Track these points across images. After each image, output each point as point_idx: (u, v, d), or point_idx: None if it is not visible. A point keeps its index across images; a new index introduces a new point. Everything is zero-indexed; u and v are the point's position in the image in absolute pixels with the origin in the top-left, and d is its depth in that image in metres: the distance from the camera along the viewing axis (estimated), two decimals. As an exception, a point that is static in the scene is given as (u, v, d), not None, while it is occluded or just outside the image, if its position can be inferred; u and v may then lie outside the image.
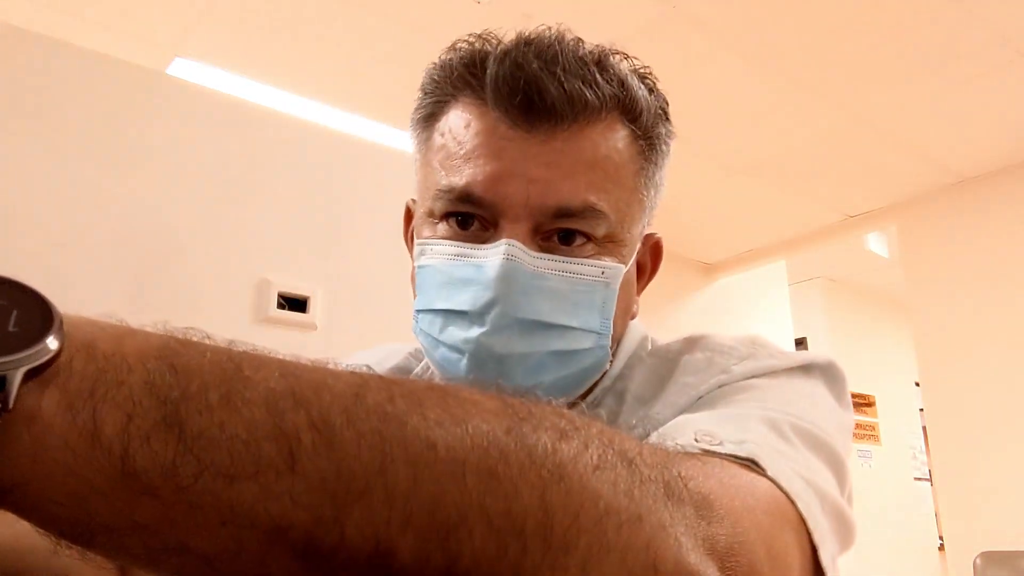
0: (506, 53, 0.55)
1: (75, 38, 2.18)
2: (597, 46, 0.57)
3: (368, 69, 2.46)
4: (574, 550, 0.29)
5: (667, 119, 0.61)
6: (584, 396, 0.59)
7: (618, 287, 0.56)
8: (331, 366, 0.30)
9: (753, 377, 0.53)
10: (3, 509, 0.25)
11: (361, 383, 0.29)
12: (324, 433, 0.26)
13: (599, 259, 0.55)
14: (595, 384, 0.60)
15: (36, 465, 0.24)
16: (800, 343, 4.71)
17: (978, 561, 2.74)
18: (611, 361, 0.59)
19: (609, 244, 0.56)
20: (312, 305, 1.80)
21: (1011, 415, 2.97)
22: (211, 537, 0.25)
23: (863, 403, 4.75)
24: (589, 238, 0.55)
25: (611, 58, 0.57)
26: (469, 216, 0.55)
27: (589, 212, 0.54)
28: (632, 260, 0.59)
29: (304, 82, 2.59)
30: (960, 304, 3.20)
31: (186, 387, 0.26)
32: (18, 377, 0.23)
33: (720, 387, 0.53)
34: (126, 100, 1.71)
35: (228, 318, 1.70)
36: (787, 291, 4.49)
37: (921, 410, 4.52)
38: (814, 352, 0.57)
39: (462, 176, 0.54)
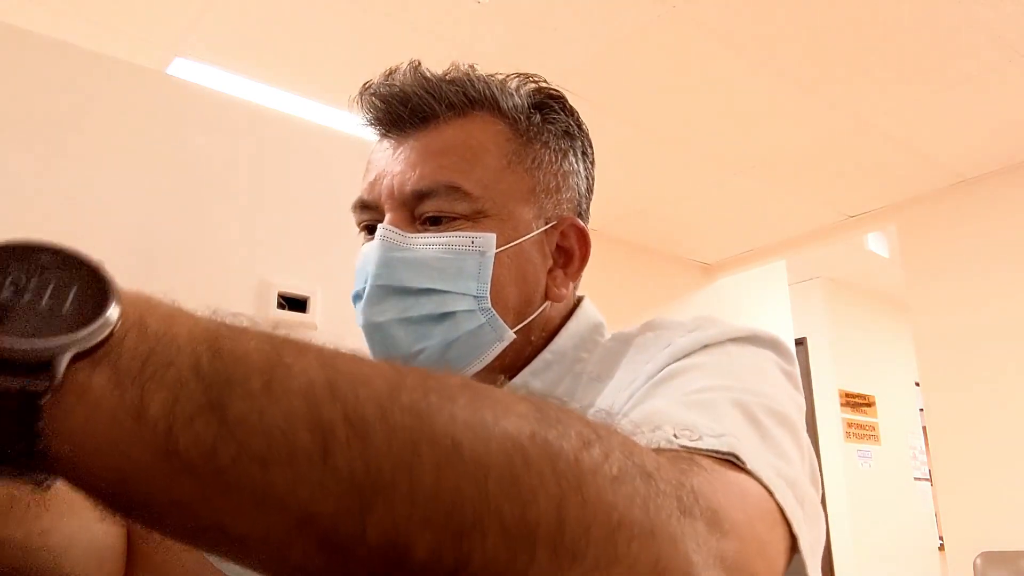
0: (366, 88, 0.65)
1: (75, 38, 2.18)
2: (453, 65, 0.66)
3: (369, 69, 2.45)
4: (581, 560, 0.29)
5: (554, 110, 0.68)
6: (524, 365, 0.64)
7: (494, 255, 0.61)
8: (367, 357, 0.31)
9: (701, 349, 0.55)
10: (55, 476, 0.26)
11: (398, 378, 0.30)
12: (358, 427, 0.27)
13: (470, 231, 0.61)
14: (531, 354, 0.65)
15: (87, 438, 0.25)
16: (800, 343, 4.71)
17: (978, 561, 2.74)
18: (520, 332, 0.63)
19: (484, 220, 0.61)
20: (312, 305, 1.80)
21: (1011, 415, 2.97)
22: (244, 519, 0.26)
23: (863, 403, 4.75)
24: (455, 215, 0.61)
25: (470, 73, 0.66)
26: (371, 222, 0.65)
27: (443, 190, 0.61)
28: (527, 238, 0.63)
29: (304, 82, 2.59)
30: (960, 304, 3.20)
31: (231, 373, 0.27)
32: (65, 360, 0.24)
33: (669, 364, 0.54)
34: (126, 100, 1.71)
35: (228, 318, 1.70)
36: (787, 291, 4.49)
37: (921, 410, 4.52)
38: (759, 328, 0.59)
39: (360, 191, 0.66)
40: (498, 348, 0.63)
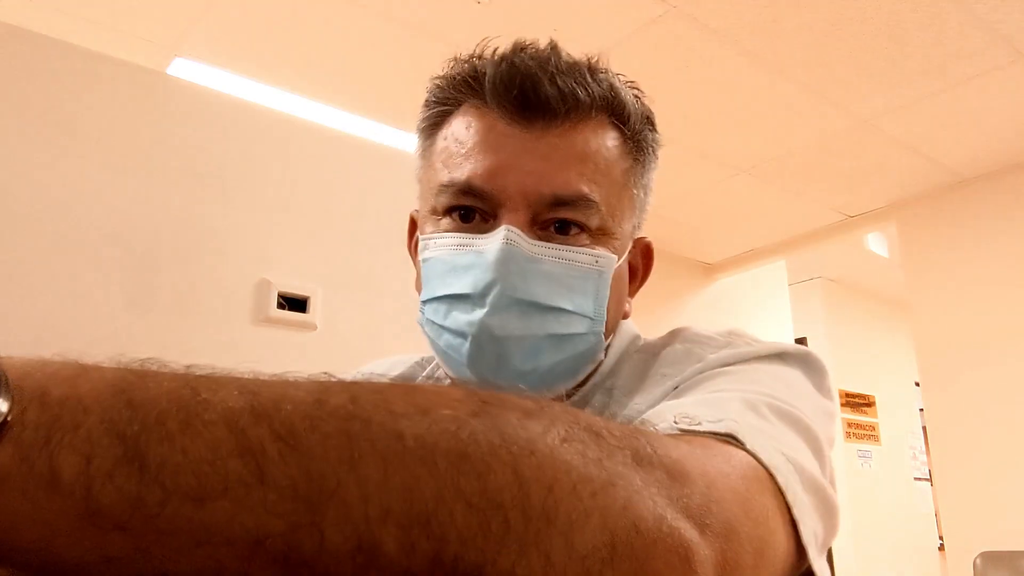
0: (503, 57, 0.59)
1: (75, 38, 2.18)
2: (586, 55, 0.61)
3: (368, 69, 2.46)
4: (554, 519, 0.29)
5: (653, 127, 0.65)
6: (575, 391, 0.62)
7: (611, 277, 0.59)
8: (291, 378, 0.30)
9: (729, 364, 0.54)
10: None
11: (322, 389, 0.29)
12: (289, 441, 0.27)
13: (593, 248, 0.58)
14: (587, 379, 0.62)
15: None
16: (800, 343, 4.70)
17: (978, 561, 2.74)
18: (604, 355, 0.62)
19: (602, 236, 0.59)
20: (312, 305, 1.80)
21: (1011, 415, 2.97)
22: (189, 560, 0.25)
23: (863, 403, 4.75)
24: (583, 228, 0.58)
25: (599, 66, 0.61)
26: (470, 209, 0.58)
27: (582, 202, 0.57)
28: (625, 256, 0.62)
29: (304, 82, 2.59)
30: (960, 304, 3.20)
31: (144, 419, 0.26)
32: None
33: (696, 375, 0.54)
34: (126, 100, 1.71)
35: (228, 318, 1.70)
36: (787, 291, 4.49)
37: (921, 410, 4.52)
38: (791, 344, 0.59)
39: (463, 171, 0.58)
40: (588, 369, 0.61)
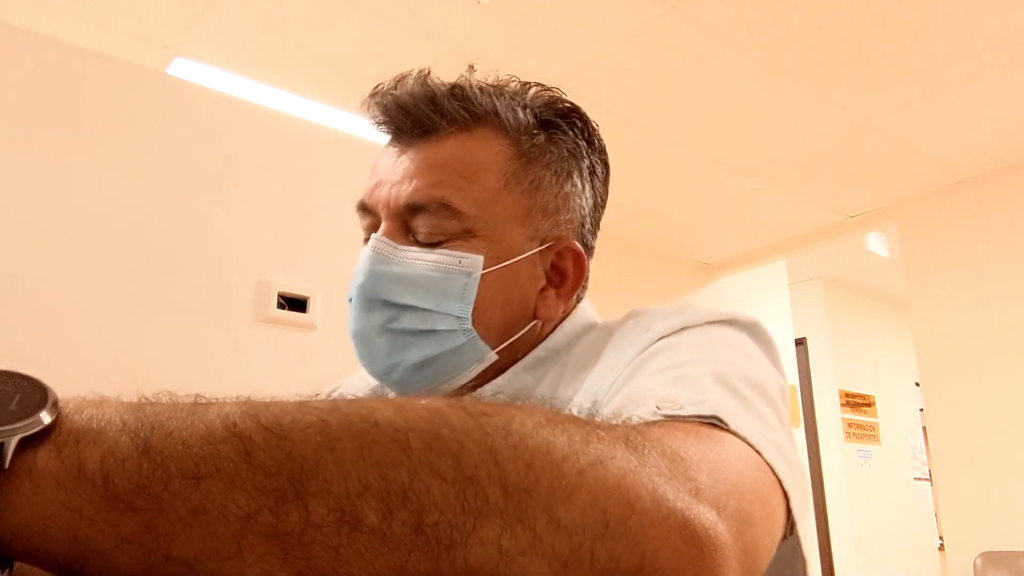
0: (376, 92, 0.66)
1: (75, 38, 2.18)
2: (463, 76, 0.66)
3: (369, 69, 2.46)
4: (535, 493, 0.30)
5: (560, 129, 0.67)
6: (513, 362, 0.65)
7: (479, 277, 0.62)
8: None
9: (680, 331, 0.56)
10: (8, 556, 0.29)
11: (305, 399, 0.34)
12: (274, 430, 0.31)
13: (457, 251, 0.62)
14: (527, 351, 0.66)
15: (35, 507, 0.29)
16: (800, 343, 4.71)
17: (978, 561, 2.74)
18: (504, 351, 0.64)
19: (474, 239, 0.62)
20: (312, 305, 1.80)
21: (1011, 415, 2.97)
22: (189, 537, 0.29)
23: (863, 403, 4.75)
24: (447, 234, 0.62)
25: (476, 86, 0.65)
26: (371, 227, 0.66)
27: (436, 207, 0.61)
28: (518, 259, 0.63)
29: (305, 82, 2.59)
30: (960, 304, 3.20)
31: (153, 421, 0.31)
32: (13, 442, 0.29)
33: (650, 345, 0.56)
34: (126, 100, 1.71)
35: (228, 318, 1.70)
36: (787, 291, 4.49)
37: (921, 410, 4.52)
38: (740, 312, 0.60)
39: (363, 193, 0.67)
40: (477, 369, 0.64)
